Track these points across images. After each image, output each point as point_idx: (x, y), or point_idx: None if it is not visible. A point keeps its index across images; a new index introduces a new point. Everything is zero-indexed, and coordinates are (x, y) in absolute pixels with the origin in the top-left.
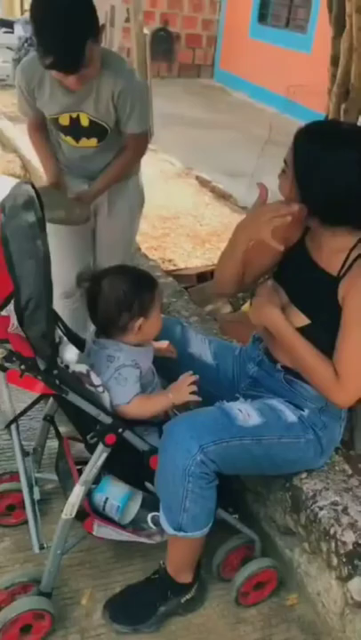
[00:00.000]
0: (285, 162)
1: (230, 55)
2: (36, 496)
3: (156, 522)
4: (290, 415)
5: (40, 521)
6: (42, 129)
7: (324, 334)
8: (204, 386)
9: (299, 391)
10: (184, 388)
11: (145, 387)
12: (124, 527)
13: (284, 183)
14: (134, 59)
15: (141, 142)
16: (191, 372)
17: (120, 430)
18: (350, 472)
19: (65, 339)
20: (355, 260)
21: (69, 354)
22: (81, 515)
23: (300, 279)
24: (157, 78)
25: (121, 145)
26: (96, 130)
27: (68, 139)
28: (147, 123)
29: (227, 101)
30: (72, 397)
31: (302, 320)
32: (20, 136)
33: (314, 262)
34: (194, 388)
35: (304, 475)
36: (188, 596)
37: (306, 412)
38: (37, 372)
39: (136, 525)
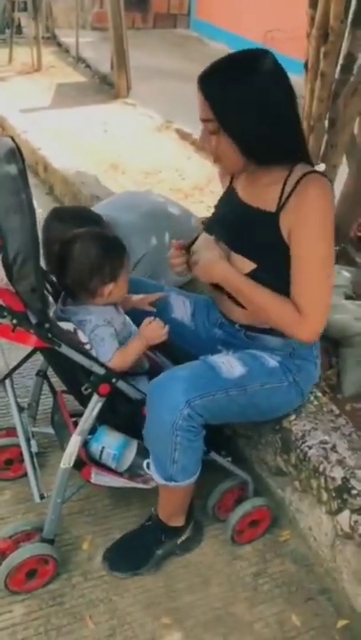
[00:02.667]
0: (203, 120)
1: (206, 3)
2: (34, 449)
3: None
4: (271, 361)
5: (39, 472)
6: None
7: (274, 274)
8: (187, 347)
9: (264, 344)
10: (151, 327)
11: (125, 340)
12: (120, 474)
13: (208, 139)
14: (108, 9)
15: None
16: (152, 317)
17: (114, 380)
18: (338, 412)
19: (51, 298)
20: (290, 192)
21: (53, 313)
22: (78, 464)
23: (237, 224)
24: (133, 30)
25: None
26: None
27: None
28: None
29: (204, 52)
30: (65, 350)
31: (248, 265)
32: None
33: (246, 204)
34: (161, 323)
35: (293, 416)
36: (183, 537)
37: (279, 359)
38: (29, 326)
39: (132, 472)
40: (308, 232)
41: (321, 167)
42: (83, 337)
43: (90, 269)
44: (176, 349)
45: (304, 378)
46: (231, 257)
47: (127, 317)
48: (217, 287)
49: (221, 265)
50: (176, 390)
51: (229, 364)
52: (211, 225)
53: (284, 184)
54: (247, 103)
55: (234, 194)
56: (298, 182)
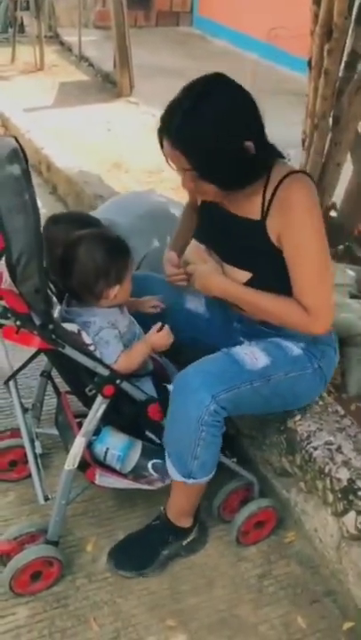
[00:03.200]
0: (177, 168)
1: (208, 0)
2: (38, 450)
3: (156, 468)
4: (295, 349)
5: (43, 473)
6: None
7: (270, 280)
8: (201, 337)
9: (286, 332)
10: (158, 336)
11: (130, 342)
12: (125, 475)
13: (186, 182)
14: (110, 8)
15: None
16: (160, 323)
17: (118, 381)
18: (343, 413)
19: (54, 299)
20: (272, 197)
21: (57, 313)
22: (83, 465)
23: (226, 235)
24: (135, 28)
25: None
26: None
27: None
28: None
29: (207, 49)
30: (69, 351)
31: (244, 275)
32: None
33: (232, 214)
34: (169, 331)
35: (298, 417)
36: (189, 539)
37: (303, 346)
38: (33, 327)
39: (137, 473)
40: (298, 233)
41: (291, 154)
42: (87, 338)
43: (95, 273)
44: (190, 342)
45: (327, 363)
46: (224, 267)
47: (132, 318)
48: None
49: (218, 279)
50: (201, 385)
51: (253, 355)
52: (199, 234)
53: (265, 190)
54: (220, 144)
55: (216, 204)
56: (278, 185)
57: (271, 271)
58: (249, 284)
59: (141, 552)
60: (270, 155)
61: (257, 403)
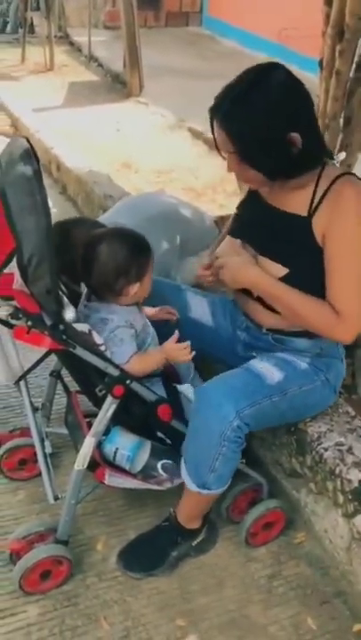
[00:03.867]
0: (223, 150)
1: (218, 0)
2: (48, 449)
3: (165, 469)
4: (301, 363)
5: (53, 473)
6: None
7: (306, 278)
8: (205, 348)
9: (292, 347)
10: (176, 347)
11: (143, 342)
12: (134, 475)
13: (231, 166)
14: (120, 8)
15: None
16: (177, 336)
17: (128, 382)
18: (354, 414)
19: (65, 299)
20: (323, 195)
21: (69, 314)
22: (92, 465)
23: (266, 228)
24: (145, 28)
25: None
26: None
27: None
28: None
29: (216, 50)
30: (79, 351)
31: (279, 270)
32: (8, 94)
33: (275, 207)
34: (187, 348)
35: (308, 418)
36: (198, 539)
37: (308, 360)
38: (44, 328)
39: (146, 473)
40: (344, 234)
41: (341, 156)
42: (97, 338)
43: (116, 270)
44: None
45: (334, 375)
46: (259, 260)
47: (147, 320)
48: (243, 291)
49: (253, 270)
50: (225, 400)
51: (268, 371)
52: (236, 229)
53: (316, 186)
54: (268, 132)
55: (258, 196)
56: (331, 184)
57: (309, 269)
58: (284, 279)
59: (150, 553)
60: (320, 150)
61: (274, 417)
